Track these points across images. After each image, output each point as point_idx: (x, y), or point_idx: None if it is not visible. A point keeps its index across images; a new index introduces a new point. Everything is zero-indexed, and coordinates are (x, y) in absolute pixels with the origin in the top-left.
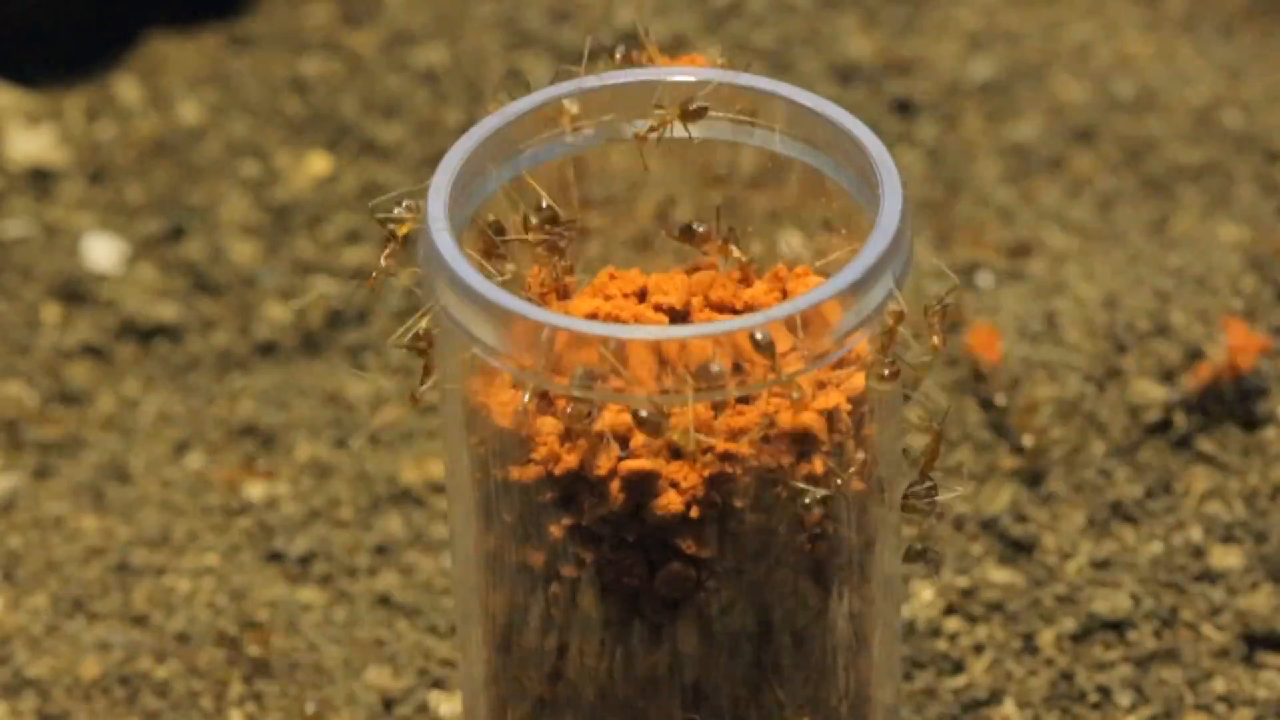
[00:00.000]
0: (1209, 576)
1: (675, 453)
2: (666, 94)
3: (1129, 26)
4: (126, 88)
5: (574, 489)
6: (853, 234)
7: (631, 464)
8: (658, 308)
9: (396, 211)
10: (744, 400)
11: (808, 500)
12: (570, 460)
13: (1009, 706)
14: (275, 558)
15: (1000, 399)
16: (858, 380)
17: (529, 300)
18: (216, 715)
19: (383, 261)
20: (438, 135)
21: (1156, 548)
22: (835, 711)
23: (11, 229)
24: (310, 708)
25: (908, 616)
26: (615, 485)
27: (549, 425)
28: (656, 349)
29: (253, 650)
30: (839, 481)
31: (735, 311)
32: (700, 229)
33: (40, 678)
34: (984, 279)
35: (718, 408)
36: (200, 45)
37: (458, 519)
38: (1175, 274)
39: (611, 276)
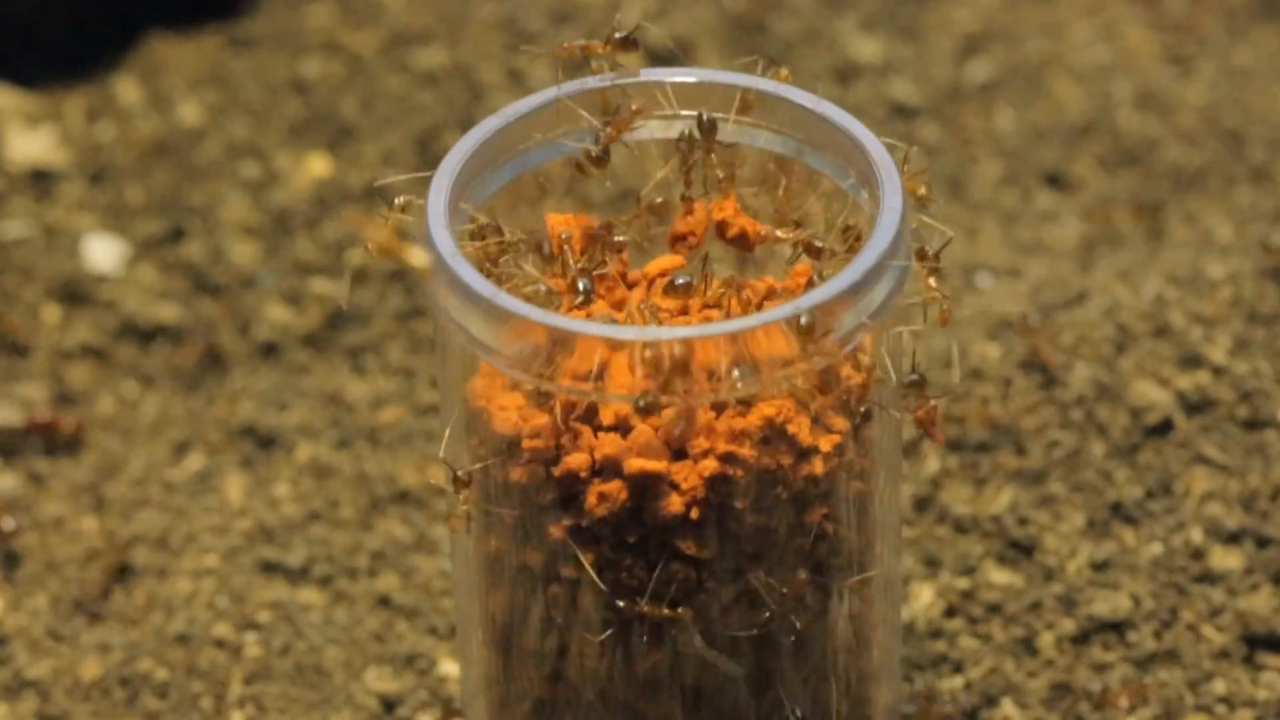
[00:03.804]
0: (1209, 577)
1: (677, 454)
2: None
3: (1129, 26)
4: (126, 88)
5: (574, 489)
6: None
7: (635, 464)
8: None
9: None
10: (744, 402)
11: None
12: (571, 461)
13: (1009, 707)
14: (275, 559)
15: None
16: (859, 380)
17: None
18: (216, 716)
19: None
20: (438, 136)
21: (1156, 549)
22: (835, 712)
23: (11, 230)
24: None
25: (908, 617)
26: (616, 485)
27: (546, 426)
28: (656, 349)
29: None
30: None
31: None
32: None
33: (40, 679)
34: (983, 279)
35: (719, 408)
36: (200, 46)
37: None
38: (1174, 275)
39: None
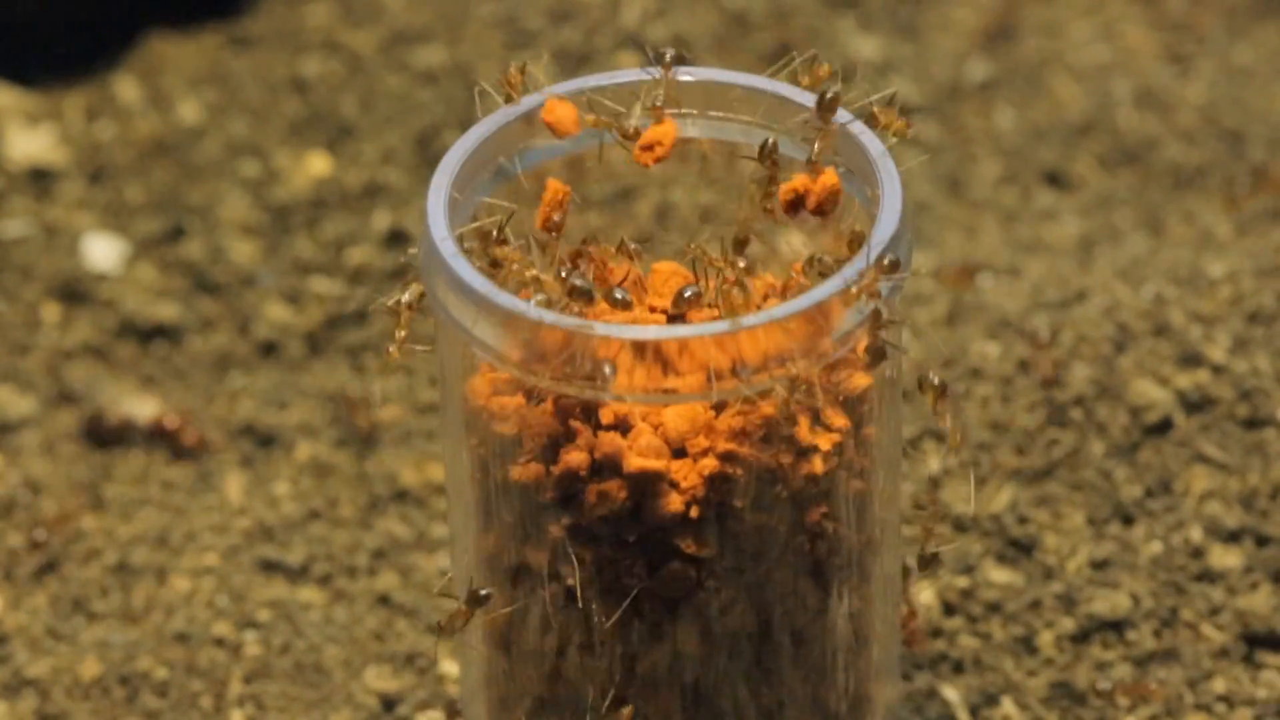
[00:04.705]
0: (1209, 576)
1: (676, 452)
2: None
3: (1129, 25)
4: (126, 88)
5: (574, 488)
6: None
7: (635, 462)
8: (653, 309)
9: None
10: (746, 401)
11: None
12: (570, 459)
13: (1008, 707)
14: (275, 558)
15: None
16: (858, 380)
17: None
18: (216, 715)
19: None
20: (438, 135)
21: (1156, 548)
22: (835, 711)
23: (11, 229)
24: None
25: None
26: (616, 484)
27: (545, 425)
28: (656, 349)
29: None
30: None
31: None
32: (689, 294)
33: (40, 677)
34: (983, 279)
35: (719, 407)
36: (200, 45)
37: (457, 519)
38: (1174, 274)
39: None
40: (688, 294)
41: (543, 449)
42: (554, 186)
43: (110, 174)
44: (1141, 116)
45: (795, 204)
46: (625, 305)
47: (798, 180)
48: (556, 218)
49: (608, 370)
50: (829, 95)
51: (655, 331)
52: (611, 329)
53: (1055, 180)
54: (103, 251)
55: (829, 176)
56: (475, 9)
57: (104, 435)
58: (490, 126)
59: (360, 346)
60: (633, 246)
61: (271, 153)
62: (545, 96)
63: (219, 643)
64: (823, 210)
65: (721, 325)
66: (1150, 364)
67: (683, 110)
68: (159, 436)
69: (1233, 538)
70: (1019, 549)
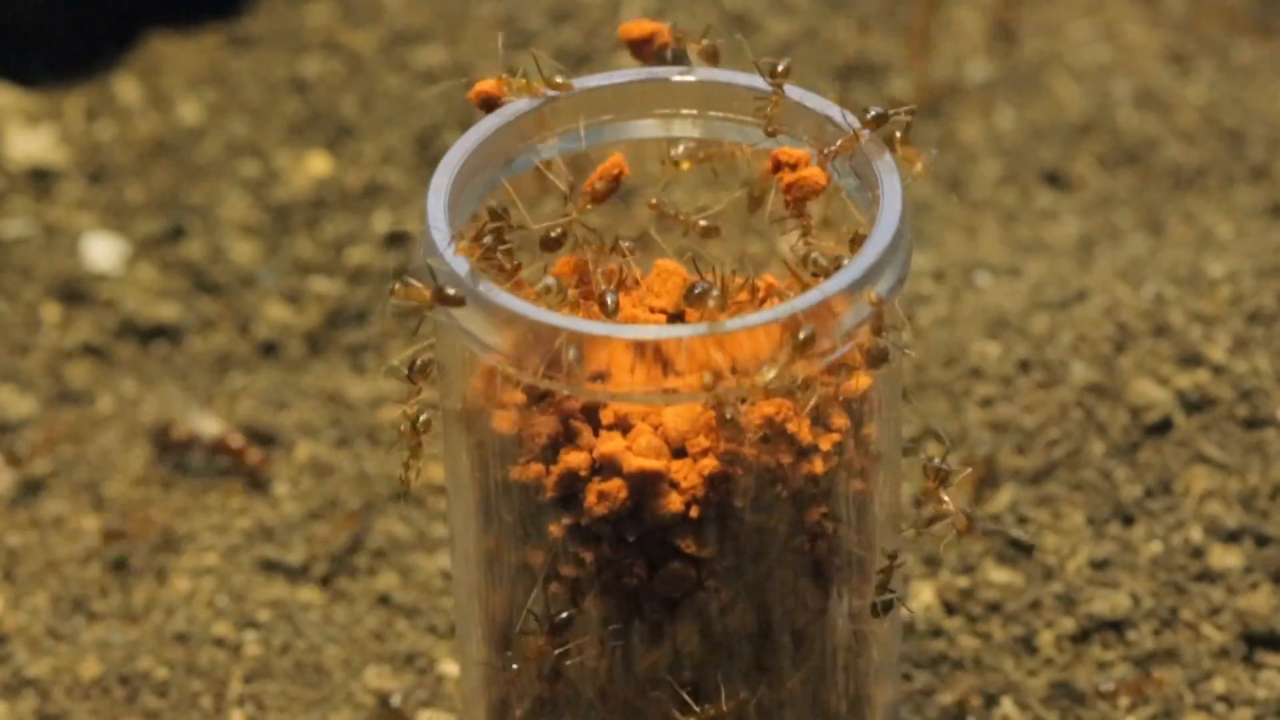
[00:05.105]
0: (1209, 576)
1: (676, 452)
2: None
3: (1129, 25)
4: (126, 88)
5: (574, 488)
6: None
7: (635, 462)
8: (652, 309)
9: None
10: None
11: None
12: (570, 459)
13: (1008, 706)
14: (275, 558)
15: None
16: (858, 380)
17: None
18: (216, 714)
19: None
20: (438, 135)
21: (1156, 548)
22: (835, 711)
23: (11, 229)
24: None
25: (908, 616)
26: (616, 484)
27: (546, 426)
28: (656, 349)
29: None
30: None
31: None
32: (699, 291)
33: (40, 677)
34: (983, 279)
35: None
36: (200, 45)
37: (457, 519)
38: (1174, 274)
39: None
40: (696, 292)
41: (543, 449)
42: (615, 159)
43: (110, 174)
44: (1141, 116)
45: (779, 166)
46: (614, 308)
47: (800, 154)
48: (600, 186)
49: (571, 355)
50: (873, 114)
51: (654, 332)
52: (610, 329)
53: (1055, 180)
54: (103, 251)
55: (819, 175)
56: (475, 9)
57: (170, 446)
58: (490, 126)
59: (360, 346)
60: (626, 245)
61: (271, 153)
62: (542, 101)
63: (219, 643)
64: (790, 191)
65: (722, 325)
66: (1150, 364)
67: (683, 110)
68: (222, 454)
69: (1233, 538)
70: (1019, 549)
